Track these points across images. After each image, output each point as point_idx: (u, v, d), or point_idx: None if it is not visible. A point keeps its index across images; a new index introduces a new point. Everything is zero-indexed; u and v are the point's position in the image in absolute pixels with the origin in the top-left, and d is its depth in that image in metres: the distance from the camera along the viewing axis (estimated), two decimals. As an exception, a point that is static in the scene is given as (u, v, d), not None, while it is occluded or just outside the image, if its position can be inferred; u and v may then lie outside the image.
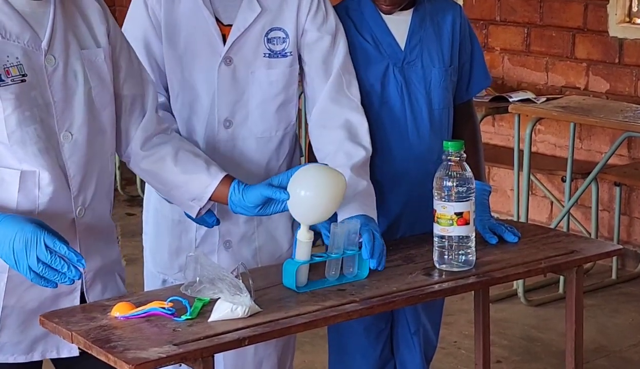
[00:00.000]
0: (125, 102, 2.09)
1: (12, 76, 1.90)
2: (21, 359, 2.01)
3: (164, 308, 1.95)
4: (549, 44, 4.89)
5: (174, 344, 1.83)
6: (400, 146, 2.42)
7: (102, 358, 1.83)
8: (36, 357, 2.02)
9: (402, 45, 2.40)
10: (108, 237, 2.10)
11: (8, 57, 1.90)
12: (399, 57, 2.40)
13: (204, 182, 2.13)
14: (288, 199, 2.04)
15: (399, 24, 2.40)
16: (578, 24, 4.78)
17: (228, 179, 2.14)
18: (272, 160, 2.34)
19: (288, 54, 2.30)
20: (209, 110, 2.28)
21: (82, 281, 2.03)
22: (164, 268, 2.38)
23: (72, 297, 2.04)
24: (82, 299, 2.06)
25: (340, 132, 2.29)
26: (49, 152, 1.95)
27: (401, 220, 2.47)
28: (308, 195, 2.04)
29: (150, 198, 2.42)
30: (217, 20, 2.27)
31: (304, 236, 2.06)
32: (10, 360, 2.00)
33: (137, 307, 1.96)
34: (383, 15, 2.40)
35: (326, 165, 2.13)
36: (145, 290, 2.44)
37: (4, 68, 1.90)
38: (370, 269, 2.12)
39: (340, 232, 2.09)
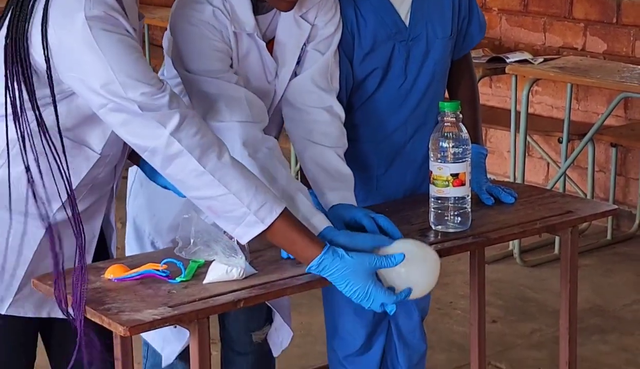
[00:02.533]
0: None
1: None
2: (30, 314, 2.03)
3: (158, 270, 1.95)
4: (547, 4, 4.85)
5: (169, 306, 1.82)
6: (399, 120, 2.39)
7: (96, 320, 1.83)
8: (44, 314, 2.04)
9: (407, 22, 2.35)
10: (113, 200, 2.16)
11: None
12: (404, 35, 2.35)
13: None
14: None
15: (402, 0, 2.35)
16: (575, -16, 4.75)
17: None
18: None
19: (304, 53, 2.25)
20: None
21: (95, 244, 2.07)
22: (157, 235, 2.36)
23: (87, 258, 2.06)
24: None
25: (325, 114, 2.23)
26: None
27: (402, 185, 2.46)
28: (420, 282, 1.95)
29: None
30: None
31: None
32: (22, 313, 2.02)
33: (131, 269, 1.96)
34: None
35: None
36: (129, 246, 2.43)
37: None
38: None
39: None
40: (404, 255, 1.89)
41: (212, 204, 1.89)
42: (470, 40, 2.47)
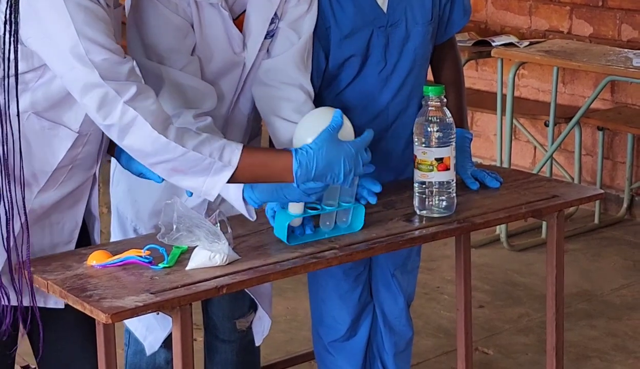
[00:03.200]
0: None
1: None
2: (13, 302, 2.01)
3: (141, 256, 1.93)
4: (533, -14, 4.84)
5: (151, 293, 1.81)
6: (379, 106, 2.37)
7: (78, 307, 1.81)
8: (25, 302, 2.01)
9: (385, 8, 2.33)
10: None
11: None
12: (383, 20, 2.32)
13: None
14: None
15: None
16: (562, -33, 4.73)
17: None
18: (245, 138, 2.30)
19: (274, 32, 2.23)
20: (228, 104, 2.25)
21: (77, 233, 2.06)
22: (139, 221, 2.34)
23: (69, 247, 2.05)
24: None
25: (299, 91, 2.21)
26: None
27: (386, 172, 2.44)
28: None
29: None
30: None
31: None
32: (4, 302, 2.00)
33: (113, 256, 1.94)
34: None
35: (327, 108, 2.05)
36: (113, 233, 2.41)
37: None
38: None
39: (334, 185, 2.04)
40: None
41: (175, 165, 1.90)
42: (453, 25, 2.45)
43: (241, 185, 1.98)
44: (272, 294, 2.50)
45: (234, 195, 2.00)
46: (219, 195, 1.97)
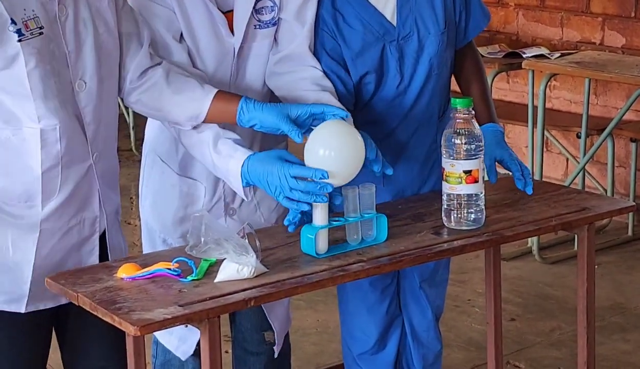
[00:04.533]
0: (121, 40, 2.09)
1: (30, 29, 1.91)
2: (50, 304, 2.05)
3: (169, 268, 1.94)
4: (564, -2, 4.82)
5: (180, 305, 1.82)
6: (400, 117, 2.37)
7: (108, 319, 1.82)
8: (63, 301, 2.05)
9: (394, 21, 2.32)
10: (116, 179, 2.15)
11: (25, 10, 1.91)
12: (393, 35, 2.32)
13: (198, 98, 2.10)
14: (301, 142, 2.03)
15: (386, 0, 2.31)
16: (594, -22, 4.71)
17: (228, 95, 2.12)
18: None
19: (277, 20, 2.25)
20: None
21: (99, 226, 2.08)
22: (165, 231, 2.36)
23: (92, 241, 2.08)
24: (102, 242, 2.10)
25: (315, 69, 2.25)
26: (66, 104, 1.97)
27: (410, 182, 2.44)
28: (331, 156, 1.98)
29: (153, 166, 2.38)
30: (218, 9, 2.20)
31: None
32: (41, 307, 2.05)
33: (142, 268, 1.95)
34: None
35: (344, 122, 2.07)
36: (144, 246, 2.43)
37: (23, 22, 1.91)
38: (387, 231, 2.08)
39: (353, 195, 2.05)
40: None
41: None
42: (472, 29, 2.43)
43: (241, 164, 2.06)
44: (288, 313, 2.49)
45: (234, 173, 2.07)
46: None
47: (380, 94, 2.35)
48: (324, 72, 2.28)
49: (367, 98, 2.36)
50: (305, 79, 2.24)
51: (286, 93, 2.25)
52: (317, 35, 2.31)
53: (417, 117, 2.38)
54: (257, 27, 2.24)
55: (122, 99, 2.17)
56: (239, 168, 2.07)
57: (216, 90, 2.12)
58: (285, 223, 2.07)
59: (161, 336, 2.40)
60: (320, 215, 2.01)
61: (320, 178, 1.97)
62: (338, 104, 2.19)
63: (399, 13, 2.32)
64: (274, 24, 2.25)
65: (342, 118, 2.07)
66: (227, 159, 2.09)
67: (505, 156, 2.32)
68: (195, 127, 2.14)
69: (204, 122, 2.12)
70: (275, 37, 2.27)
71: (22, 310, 2.03)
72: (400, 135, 2.38)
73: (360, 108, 2.37)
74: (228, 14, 2.21)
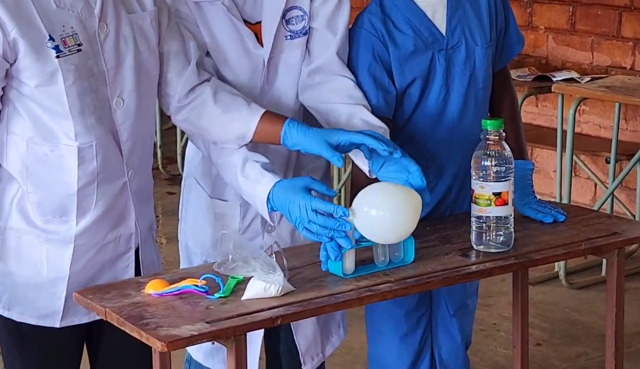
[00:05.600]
0: (167, 57, 2.10)
1: (69, 46, 1.93)
2: (85, 319, 2.06)
3: (197, 285, 1.95)
4: (595, 22, 4.80)
5: (207, 322, 1.82)
6: (444, 133, 2.35)
7: (135, 335, 1.83)
8: (97, 316, 2.04)
9: (443, 30, 2.32)
10: (150, 196, 2.16)
11: (64, 27, 1.93)
12: (442, 43, 2.32)
13: (245, 118, 2.10)
14: (341, 167, 2.05)
15: (436, 8, 2.31)
16: (624, 2, 4.68)
17: (274, 117, 2.11)
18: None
19: (308, 30, 2.25)
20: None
21: (134, 242, 2.09)
22: (206, 253, 2.35)
23: (127, 257, 2.09)
24: (136, 257, 2.11)
25: (346, 79, 2.24)
26: (103, 121, 1.99)
27: (445, 202, 2.42)
28: (383, 216, 1.98)
29: (191, 189, 2.38)
30: (245, 21, 2.21)
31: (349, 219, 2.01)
32: (76, 322, 2.06)
33: (170, 284, 1.96)
34: (417, 2, 2.31)
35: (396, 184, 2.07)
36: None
37: (61, 38, 1.93)
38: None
39: None
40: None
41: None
42: (509, 52, 2.43)
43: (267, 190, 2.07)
44: (323, 337, 2.43)
45: (260, 198, 2.07)
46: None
47: (423, 107, 2.33)
48: (357, 83, 2.26)
49: (409, 113, 2.33)
50: (338, 90, 2.23)
51: (318, 106, 2.24)
52: (362, 39, 2.29)
53: (463, 134, 2.34)
54: (289, 37, 2.24)
55: (166, 143, 2.19)
56: (265, 194, 2.07)
57: (263, 110, 2.11)
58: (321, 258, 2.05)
59: (194, 352, 2.40)
60: (347, 260, 2.02)
61: (341, 216, 1.97)
62: (373, 118, 2.19)
63: (449, 22, 2.31)
64: (304, 33, 2.24)
65: (380, 140, 2.07)
66: (255, 184, 2.09)
67: (531, 213, 2.30)
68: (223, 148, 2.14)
69: (250, 141, 2.12)
70: (307, 48, 2.26)
71: (57, 325, 2.04)
72: (445, 152, 2.35)
73: (406, 121, 2.34)
74: (256, 25, 2.22)
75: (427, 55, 2.31)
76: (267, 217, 2.11)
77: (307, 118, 2.30)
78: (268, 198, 2.06)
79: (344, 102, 2.21)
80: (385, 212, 1.99)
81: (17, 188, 2.01)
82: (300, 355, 2.38)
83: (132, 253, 2.10)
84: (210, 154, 2.19)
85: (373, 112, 2.23)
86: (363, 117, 2.18)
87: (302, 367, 2.40)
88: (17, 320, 2.04)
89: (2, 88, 1.95)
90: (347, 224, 1.99)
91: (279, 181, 2.07)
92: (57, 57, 1.92)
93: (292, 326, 2.37)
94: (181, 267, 2.43)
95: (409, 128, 2.35)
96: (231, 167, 2.13)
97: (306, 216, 1.99)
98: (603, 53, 4.80)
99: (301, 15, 2.23)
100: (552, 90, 4.28)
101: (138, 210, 2.09)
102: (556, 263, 4.22)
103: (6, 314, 2.05)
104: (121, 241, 2.07)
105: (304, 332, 2.37)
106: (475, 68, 2.34)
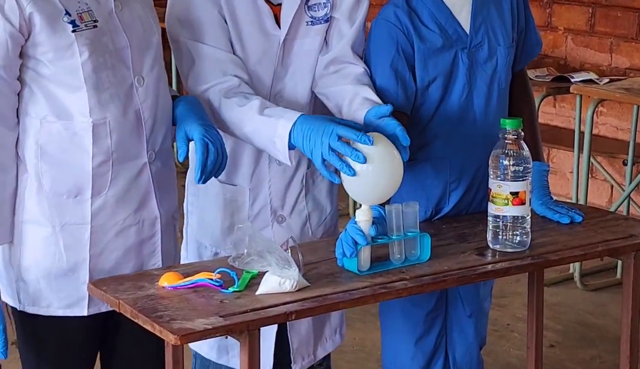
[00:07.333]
0: None
1: (85, 21, 1.96)
2: (108, 307, 2.05)
3: (211, 279, 1.94)
4: (614, 24, 4.77)
5: (220, 316, 1.82)
6: (466, 132, 2.33)
7: (148, 327, 1.82)
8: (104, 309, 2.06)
9: (467, 28, 2.31)
10: (173, 182, 2.16)
11: (79, 3, 1.96)
12: (465, 42, 2.30)
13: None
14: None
15: (462, 6, 2.31)
16: (645, 4, 4.66)
17: None
18: None
19: (329, 17, 2.26)
20: (268, 86, 2.25)
21: (159, 226, 2.09)
22: (216, 244, 2.35)
23: (153, 243, 2.09)
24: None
25: (357, 66, 2.25)
26: (120, 98, 2.00)
27: (464, 201, 2.41)
28: (373, 170, 1.99)
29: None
30: (268, 1, 2.21)
31: (364, 214, 2.01)
32: (103, 309, 2.06)
33: (185, 277, 1.96)
34: None
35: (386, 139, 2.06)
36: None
37: (77, 13, 1.95)
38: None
39: (396, 213, 2.04)
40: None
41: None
42: (528, 53, 2.42)
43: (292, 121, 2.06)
44: (315, 337, 2.39)
45: (281, 133, 2.07)
46: None
47: (446, 106, 2.31)
48: (366, 72, 2.27)
49: (432, 112, 2.31)
50: (348, 76, 2.24)
51: (328, 91, 2.25)
52: (387, 32, 2.28)
53: (485, 133, 2.32)
54: (310, 23, 2.24)
55: None
56: (288, 127, 2.06)
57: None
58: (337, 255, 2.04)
59: (198, 347, 2.39)
60: (363, 257, 2.01)
61: (365, 142, 1.98)
62: (373, 95, 2.19)
63: (473, 20, 2.31)
64: (326, 21, 2.25)
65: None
66: (277, 119, 2.09)
67: (549, 214, 2.29)
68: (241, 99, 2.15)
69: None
70: (325, 38, 2.27)
71: (85, 313, 2.05)
72: (471, 150, 2.33)
73: (425, 125, 2.32)
74: (277, 7, 2.22)
75: (450, 52, 2.30)
76: (285, 155, 2.09)
77: (318, 110, 2.30)
78: (290, 131, 2.06)
79: (350, 84, 2.22)
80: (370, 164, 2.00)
81: (31, 179, 2.01)
82: (291, 352, 2.35)
83: (157, 239, 2.10)
84: (221, 109, 2.17)
85: None
86: (364, 95, 2.18)
87: (292, 365, 2.36)
88: (44, 315, 2.04)
89: (19, 69, 1.96)
90: (360, 154, 1.98)
91: (302, 114, 2.08)
92: (74, 31, 1.94)
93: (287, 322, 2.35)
94: (187, 257, 2.41)
95: (432, 127, 2.32)
96: (247, 113, 2.12)
97: (327, 144, 2.00)
98: (622, 55, 4.77)
99: (324, 2, 2.24)
100: (571, 91, 4.26)
101: (160, 195, 2.09)
102: (571, 265, 4.19)
103: (31, 310, 2.05)
104: (145, 225, 2.08)
105: (298, 329, 2.34)
106: (497, 68, 2.33)
